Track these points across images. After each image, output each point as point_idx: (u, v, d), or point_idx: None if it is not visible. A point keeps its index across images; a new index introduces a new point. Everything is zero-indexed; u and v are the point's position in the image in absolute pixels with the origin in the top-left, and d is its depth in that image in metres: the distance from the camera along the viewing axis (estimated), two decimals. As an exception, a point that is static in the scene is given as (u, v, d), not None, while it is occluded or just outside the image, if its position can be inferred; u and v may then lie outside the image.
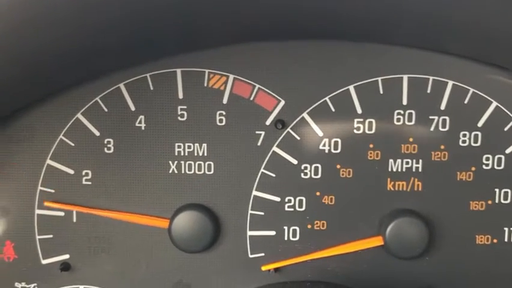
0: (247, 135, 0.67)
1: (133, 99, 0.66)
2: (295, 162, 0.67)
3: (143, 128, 0.67)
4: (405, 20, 0.59)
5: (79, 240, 0.68)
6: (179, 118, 0.67)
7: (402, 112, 0.66)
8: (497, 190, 0.67)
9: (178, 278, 0.69)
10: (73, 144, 0.67)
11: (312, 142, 0.67)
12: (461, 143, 0.66)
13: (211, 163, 0.67)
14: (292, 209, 0.68)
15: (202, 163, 0.67)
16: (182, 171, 0.67)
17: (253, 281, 0.68)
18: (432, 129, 0.66)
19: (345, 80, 0.66)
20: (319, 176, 0.67)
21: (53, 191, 0.68)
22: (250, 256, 0.69)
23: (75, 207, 0.67)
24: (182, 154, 0.67)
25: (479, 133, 0.66)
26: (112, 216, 0.67)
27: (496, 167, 0.66)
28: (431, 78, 0.65)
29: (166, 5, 0.54)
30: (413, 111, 0.66)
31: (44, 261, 0.69)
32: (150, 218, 0.67)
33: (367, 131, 0.66)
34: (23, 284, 0.69)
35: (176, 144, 0.67)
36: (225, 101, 0.66)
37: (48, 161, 0.67)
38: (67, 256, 0.69)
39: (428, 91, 0.66)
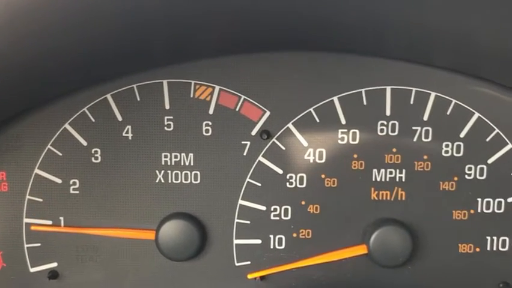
0: (233, 145, 0.67)
1: (120, 109, 0.67)
2: (280, 171, 0.68)
3: (130, 138, 0.68)
4: (389, 33, 0.60)
5: (66, 248, 0.69)
6: (165, 128, 0.67)
7: (385, 123, 0.67)
8: (479, 200, 0.68)
9: (165, 286, 0.70)
10: (60, 154, 0.68)
11: (297, 152, 0.68)
12: (443, 153, 0.67)
13: (198, 172, 0.68)
14: (277, 218, 0.69)
15: (188, 172, 0.68)
16: (169, 181, 0.68)
17: (239, 289, 0.69)
18: (415, 139, 0.67)
19: (329, 91, 0.67)
20: (304, 185, 0.68)
21: (41, 200, 0.68)
22: (237, 264, 0.69)
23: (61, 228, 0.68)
24: (169, 164, 0.68)
25: (461, 143, 0.67)
26: (98, 233, 0.68)
27: (478, 176, 0.67)
28: (414, 89, 0.66)
29: (154, 19, 0.55)
30: (396, 122, 0.67)
31: (32, 270, 0.70)
32: (136, 232, 0.68)
33: (351, 142, 0.67)
34: (11, 292, 0.70)
35: (163, 154, 0.68)
36: (211, 111, 0.67)
37: (36, 170, 0.68)
38: (54, 264, 0.69)
39: (411, 102, 0.67)
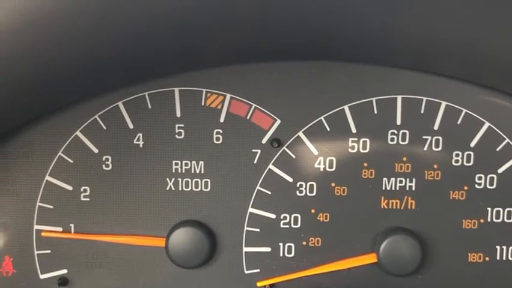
0: (243, 153, 0.68)
1: (132, 117, 0.67)
2: (290, 180, 0.68)
3: (141, 146, 0.68)
4: (400, 43, 0.60)
5: (76, 255, 0.69)
6: (176, 136, 0.68)
7: (396, 132, 0.67)
8: (489, 209, 0.68)
9: (175, 293, 0.70)
10: (71, 161, 0.68)
11: (307, 160, 0.68)
12: (454, 163, 0.67)
13: (208, 180, 0.68)
14: (287, 226, 0.69)
15: (199, 180, 0.68)
16: (180, 188, 0.68)
17: (248, 296, 0.69)
18: (425, 148, 0.67)
19: (340, 100, 0.67)
20: (314, 193, 0.68)
21: (51, 207, 0.69)
22: (246, 272, 0.69)
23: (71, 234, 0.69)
24: (179, 171, 0.68)
25: (471, 153, 0.67)
26: (108, 240, 0.68)
27: (488, 186, 0.67)
28: (424, 99, 0.66)
29: (166, 28, 0.56)
30: (406, 131, 0.67)
31: (42, 276, 0.70)
32: (147, 239, 0.68)
33: (361, 150, 0.67)
34: (22, 299, 0.70)
35: (174, 161, 0.68)
36: (221, 119, 0.67)
37: (47, 177, 0.68)
38: (64, 271, 0.70)
39: (422, 111, 0.67)
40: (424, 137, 0.67)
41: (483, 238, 0.68)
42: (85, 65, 0.60)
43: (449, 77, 0.66)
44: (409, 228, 0.68)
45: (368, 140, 0.67)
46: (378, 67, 0.66)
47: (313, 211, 0.68)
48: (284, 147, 0.68)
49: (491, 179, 0.67)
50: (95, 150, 0.68)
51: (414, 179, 0.68)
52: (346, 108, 0.67)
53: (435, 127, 0.67)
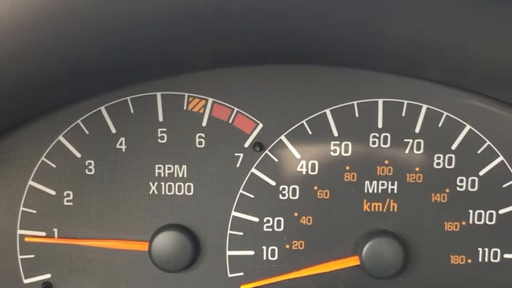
0: (226, 157, 0.68)
1: (114, 121, 0.68)
2: (273, 183, 0.68)
3: (124, 150, 0.68)
4: (381, 47, 0.60)
5: (60, 260, 0.69)
6: (159, 140, 0.68)
7: (377, 135, 0.67)
8: (471, 211, 0.68)
9: (158, 297, 0.70)
10: (54, 166, 0.68)
11: (289, 164, 0.68)
12: (435, 165, 0.68)
13: (191, 184, 0.68)
14: (270, 229, 0.69)
15: (182, 184, 0.68)
16: (163, 192, 0.69)
17: (232, 300, 0.70)
18: (407, 151, 0.67)
19: (321, 104, 0.67)
20: (297, 197, 0.68)
21: (35, 211, 0.69)
22: (230, 275, 0.70)
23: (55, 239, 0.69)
24: (162, 175, 0.68)
25: (453, 155, 0.67)
26: (92, 245, 0.68)
27: (469, 188, 0.68)
28: (405, 102, 0.67)
29: (148, 34, 0.56)
30: (388, 134, 0.67)
31: (26, 281, 0.70)
32: (130, 243, 0.69)
33: (343, 154, 0.68)
34: (5, 304, 0.70)
35: (157, 165, 0.68)
36: (204, 123, 0.68)
37: (30, 182, 0.68)
38: (48, 276, 0.70)
39: (403, 115, 0.67)
40: (405, 140, 0.67)
41: (465, 240, 0.68)
42: (67, 70, 0.60)
43: (431, 80, 0.66)
44: (391, 231, 0.68)
45: (349, 143, 0.68)
46: (359, 71, 0.66)
47: (296, 214, 0.69)
48: (266, 151, 0.68)
49: (473, 181, 0.68)
50: (78, 155, 0.68)
51: (396, 182, 0.68)
52: (328, 111, 0.67)
53: (417, 130, 0.67)
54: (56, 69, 0.59)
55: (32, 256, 0.69)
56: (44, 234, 0.69)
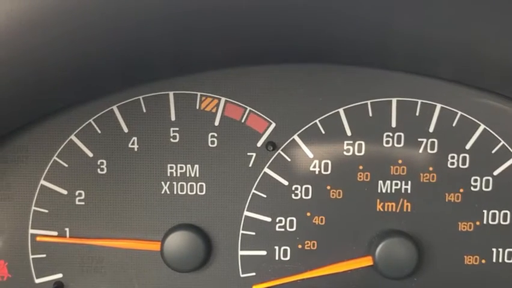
0: (238, 157, 0.68)
1: (126, 121, 0.67)
2: (286, 183, 0.68)
3: (136, 150, 0.68)
4: (395, 46, 0.60)
5: (72, 259, 0.69)
6: (171, 140, 0.67)
7: (391, 134, 0.67)
8: (485, 211, 0.67)
9: (170, 297, 0.70)
10: (66, 165, 0.68)
11: (302, 163, 0.68)
12: (449, 165, 0.67)
13: (203, 184, 0.68)
14: (283, 229, 0.68)
15: (194, 184, 0.68)
16: (175, 192, 0.68)
17: (244, 300, 0.69)
18: (420, 151, 0.67)
19: (335, 103, 0.67)
20: (309, 196, 0.68)
21: (46, 211, 0.69)
22: (242, 276, 0.69)
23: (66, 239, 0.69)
24: (174, 175, 0.68)
25: (467, 155, 0.67)
26: (103, 245, 0.68)
27: (484, 188, 0.67)
28: (419, 101, 0.66)
29: (160, 33, 0.56)
30: (402, 134, 0.67)
31: (38, 281, 0.70)
32: (141, 243, 0.68)
33: (357, 153, 0.67)
34: (17, 303, 0.70)
35: (169, 165, 0.68)
36: (216, 123, 0.67)
37: (42, 182, 0.68)
38: (60, 275, 0.69)
39: (417, 114, 0.67)
40: (419, 139, 0.67)
41: (479, 240, 0.68)
42: (79, 69, 0.60)
43: (445, 79, 0.66)
44: (405, 231, 0.68)
45: (363, 142, 0.67)
46: (373, 70, 0.66)
47: (308, 214, 0.68)
48: (279, 151, 0.68)
49: (487, 181, 0.67)
50: (90, 154, 0.68)
51: (409, 182, 0.67)
52: (341, 111, 0.67)
53: (431, 129, 0.67)
54: (67, 68, 0.59)
55: (44, 256, 0.69)
56: (55, 233, 0.69)
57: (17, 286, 0.69)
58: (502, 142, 0.67)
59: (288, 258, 0.69)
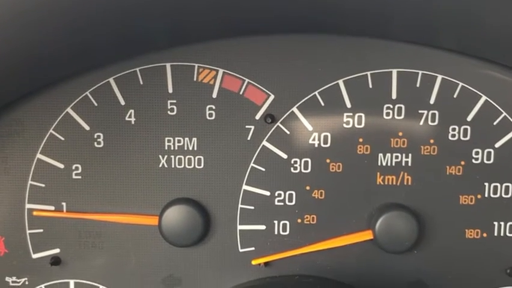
0: (236, 130, 0.67)
1: (123, 93, 0.66)
2: (285, 156, 0.67)
3: (133, 123, 0.67)
4: (396, 13, 0.59)
5: (69, 234, 0.69)
6: (169, 112, 0.67)
7: (391, 106, 0.66)
8: (486, 184, 0.67)
9: (169, 272, 0.69)
10: (62, 139, 0.67)
11: (301, 136, 0.67)
12: (450, 137, 0.66)
13: (201, 157, 0.67)
14: (282, 203, 0.68)
15: (192, 157, 0.67)
16: (172, 166, 0.67)
17: (243, 275, 0.68)
18: (421, 123, 0.66)
19: (334, 75, 0.66)
20: (309, 170, 0.67)
21: (43, 185, 0.68)
22: (241, 250, 0.69)
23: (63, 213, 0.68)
24: (172, 148, 0.67)
25: (468, 127, 0.66)
26: (101, 219, 0.67)
27: (485, 161, 0.66)
28: (420, 72, 0.65)
29: (156, 0, 0.55)
30: (402, 106, 0.66)
31: (35, 256, 0.69)
32: (139, 217, 0.68)
33: (356, 125, 0.66)
34: (14, 279, 0.69)
35: (166, 138, 0.67)
36: (214, 95, 0.66)
37: (39, 155, 0.67)
38: (57, 250, 0.69)
39: (418, 85, 0.66)
40: (420, 111, 0.66)
41: (480, 214, 0.67)
42: (75, 40, 0.59)
43: (446, 50, 0.65)
44: (405, 205, 0.67)
45: (363, 114, 0.66)
46: (373, 40, 0.65)
47: (308, 188, 0.68)
48: (278, 123, 0.67)
49: (488, 153, 0.66)
50: (87, 127, 0.67)
51: (410, 155, 0.67)
52: (340, 82, 0.66)
53: (432, 101, 0.66)
54: (62, 37, 0.58)
55: (41, 231, 0.69)
56: (52, 208, 0.68)
57: (13, 261, 0.69)
58: (504, 114, 0.66)
59: (287, 232, 0.68)
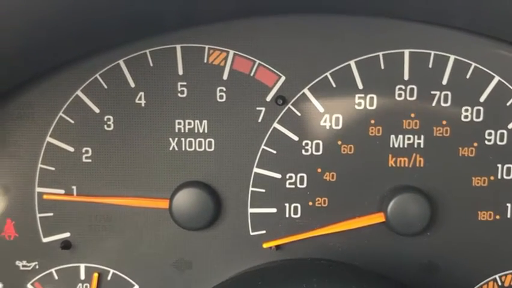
0: (247, 112, 0.66)
1: (133, 75, 0.66)
2: (296, 138, 0.67)
3: (143, 105, 0.66)
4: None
5: (79, 218, 0.68)
6: (179, 95, 0.66)
7: (403, 87, 0.65)
8: (499, 166, 0.66)
9: (179, 255, 0.69)
10: (72, 122, 0.67)
11: (313, 118, 0.66)
12: (463, 118, 0.66)
13: (212, 140, 0.67)
14: (293, 186, 0.67)
15: (202, 140, 0.67)
16: (183, 149, 0.67)
17: (254, 258, 0.68)
18: (434, 104, 0.66)
19: (346, 55, 0.65)
20: (320, 152, 0.67)
21: (53, 168, 0.68)
22: (252, 233, 0.68)
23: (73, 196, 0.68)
24: (182, 131, 0.67)
25: (481, 108, 0.65)
26: (111, 202, 0.67)
27: (498, 142, 0.66)
28: (432, 52, 0.65)
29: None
30: (414, 86, 0.65)
31: (45, 240, 0.69)
32: (150, 200, 0.67)
33: (368, 107, 0.66)
34: (24, 263, 0.69)
35: (177, 121, 0.67)
36: (225, 77, 0.66)
37: (48, 139, 0.67)
38: (67, 234, 0.69)
39: (430, 66, 0.65)
40: (432, 92, 0.65)
41: (493, 196, 0.67)
42: (85, 21, 0.59)
43: (458, 29, 0.64)
44: (418, 187, 0.66)
45: (374, 96, 0.66)
46: (384, 19, 0.64)
47: (319, 170, 0.67)
48: (289, 105, 0.66)
49: (502, 134, 0.66)
50: (97, 110, 0.67)
51: (422, 136, 0.66)
52: (352, 63, 0.65)
53: (444, 82, 0.65)
54: (71, 20, 0.57)
55: (51, 214, 0.68)
56: (62, 191, 0.68)
57: (24, 245, 0.69)
58: (517, 94, 0.65)
59: (298, 215, 0.68)
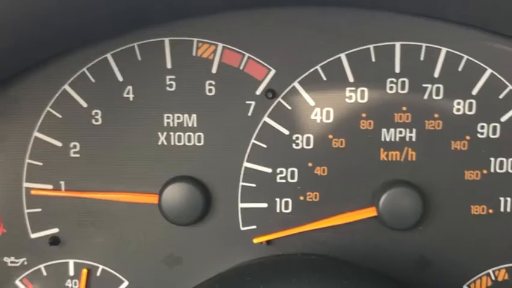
0: (237, 105, 0.65)
1: (121, 69, 0.65)
2: (286, 132, 0.66)
3: (131, 99, 0.66)
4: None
5: (68, 214, 0.68)
6: (167, 88, 0.65)
7: (395, 80, 0.65)
8: (492, 159, 0.65)
9: (169, 251, 0.68)
10: (60, 116, 0.66)
11: (303, 112, 0.66)
12: (455, 112, 0.65)
13: (201, 134, 0.66)
14: (284, 181, 0.67)
15: (191, 134, 0.66)
16: (172, 143, 0.66)
17: (245, 253, 0.67)
18: (425, 97, 0.65)
19: (336, 48, 0.64)
20: (311, 146, 0.66)
21: (41, 163, 0.67)
22: (242, 229, 0.68)
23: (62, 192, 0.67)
24: (171, 125, 0.66)
25: (473, 101, 0.65)
26: (100, 198, 0.66)
27: (491, 135, 0.65)
28: (424, 45, 0.64)
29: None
30: (406, 79, 0.65)
31: (33, 235, 0.68)
32: (139, 195, 0.66)
33: (359, 100, 0.65)
34: (12, 259, 0.68)
35: (165, 115, 0.66)
36: (214, 70, 0.65)
37: (36, 133, 0.66)
38: (56, 230, 0.68)
39: (421, 58, 0.64)
40: (424, 85, 0.65)
41: (486, 189, 0.66)
42: (72, 14, 0.58)
43: (450, 21, 0.64)
44: (409, 181, 0.66)
45: (365, 89, 0.65)
46: (375, 12, 0.63)
47: (310, 165, 0.66)
48: (279, 99, 0.65)
49: (494, 128, 0.65)
50: (84, 105, 0.66)
51: (414, 130, 0.65)
52: (343, 56, 0.64)
53: (436, 75, 0.64)
54: (57, 14, 0.57)
55: (39, 210, 0.68)
56: (50, 187, 0.67)
57: (12, 241, 0.68)
58: (510, 87, 0.64)
59: (289, 210, 0.67)
